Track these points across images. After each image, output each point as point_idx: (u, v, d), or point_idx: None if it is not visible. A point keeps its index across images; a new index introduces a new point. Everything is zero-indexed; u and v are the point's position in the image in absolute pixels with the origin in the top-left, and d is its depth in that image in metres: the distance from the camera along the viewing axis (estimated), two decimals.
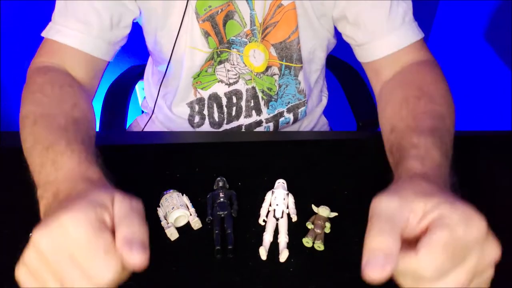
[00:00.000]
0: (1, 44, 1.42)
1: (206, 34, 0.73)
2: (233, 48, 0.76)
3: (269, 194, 0.60)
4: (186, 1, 0.69)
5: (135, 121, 0.98)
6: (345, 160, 0.68)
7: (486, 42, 1.42)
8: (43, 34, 0.68)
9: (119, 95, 1.02)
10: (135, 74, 1.08)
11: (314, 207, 0.58)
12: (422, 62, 0.68)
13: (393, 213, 0.39)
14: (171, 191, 0.58)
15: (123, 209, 0.40)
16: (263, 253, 0.53)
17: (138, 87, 1.15)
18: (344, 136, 0.77)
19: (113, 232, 0.38)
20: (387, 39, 0.68)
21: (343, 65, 1.12)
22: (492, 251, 0.38)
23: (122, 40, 0.73)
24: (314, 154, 0.68)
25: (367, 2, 0.68)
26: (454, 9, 1.51)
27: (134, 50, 0.78)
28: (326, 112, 0.99)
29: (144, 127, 0.92)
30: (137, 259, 0.37)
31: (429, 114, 0.57)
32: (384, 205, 0.40)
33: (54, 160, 0.48)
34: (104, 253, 0.37)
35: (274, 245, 0.55)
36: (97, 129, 0.66)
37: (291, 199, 0.59)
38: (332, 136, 0.83)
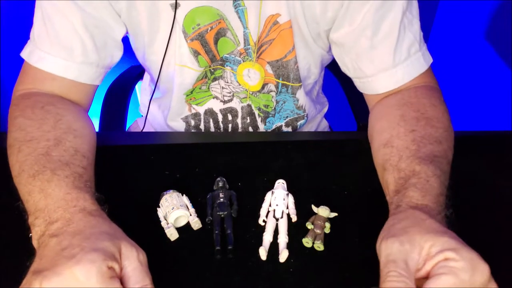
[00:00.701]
0: (1, 44, 1.42)
1: (196, 53, 0.71)
2: (226, 66, 0.74)
3: (269, 194, 0.60)
4: (172, 21, 0.66)
5: (135, 123, 0.98)
6: (345, 160, 0.68)
7: (486, 42, 1.42)
8: (24, 56, 0.65)
9: (119, 95, 1.02)
10: (135, 74, 1.08)
11: (314, 207, 0.58)
12: (422, 86, 0.66)
13: (406, 257, 0.42)
14: (171, 191, 0.58)
15: (133, 264, 0.43)
16: (263, 253, 0.53)
17: (138, 87, 1.15)
18: (344, 137, 0.77)
19: (121, 279, 0.42)
20: (390, 73, 0.66)
21: None
22: None
23: (114, 62, 0.70)
24: (314, 154, 0.68)
25: (374, 37, 0.64)
26: (454, 9, 1.51)
27: None
28: (327, 114, 0.99)
29: (142, 130, 0.92)
30: None
31: (427, 139, 0.57)
32: (396, 249, 0.42)
33: (41, 188, 0.49)
34: None
35: (274, 245, 0.55)
36: (97, 130, 0.65)
37: (291, 199, 0.59)
38: (332, 137, 0.83)
